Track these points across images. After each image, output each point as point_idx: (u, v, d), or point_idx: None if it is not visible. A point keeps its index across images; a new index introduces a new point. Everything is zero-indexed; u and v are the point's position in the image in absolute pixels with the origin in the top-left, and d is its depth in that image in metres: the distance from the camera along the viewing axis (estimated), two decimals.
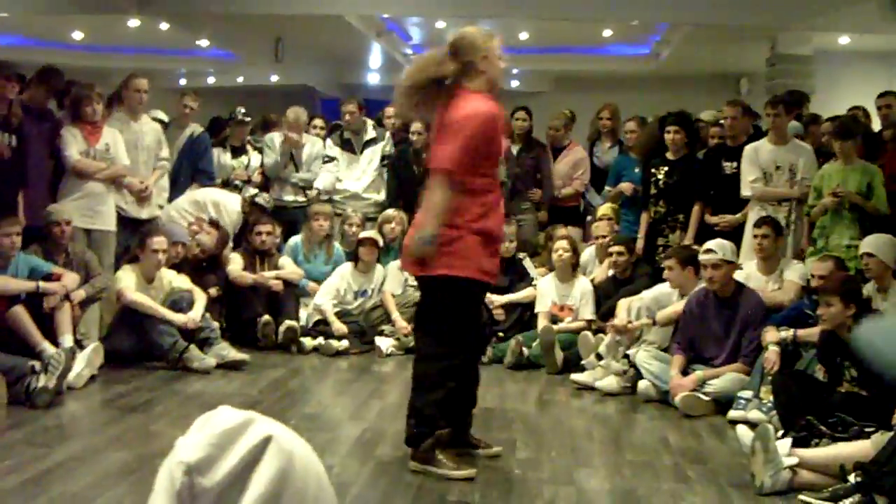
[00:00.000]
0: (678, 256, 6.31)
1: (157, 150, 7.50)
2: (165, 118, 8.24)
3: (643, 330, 6.33)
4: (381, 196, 8.68)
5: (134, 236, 7.09)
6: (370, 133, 8.67)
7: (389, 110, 9.07)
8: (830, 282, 4.91)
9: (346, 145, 8.64)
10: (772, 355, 5.37)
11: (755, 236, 6.37)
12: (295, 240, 8.07)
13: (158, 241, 6.67)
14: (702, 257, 5.99)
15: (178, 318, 6.53)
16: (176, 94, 8.66)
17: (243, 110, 8.74)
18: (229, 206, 7.84)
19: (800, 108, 8.14)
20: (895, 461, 3.70)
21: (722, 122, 7.57)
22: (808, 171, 6.79)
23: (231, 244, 7.85)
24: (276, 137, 8.52)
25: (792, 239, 6.78)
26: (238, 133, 8.69)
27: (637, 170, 7.78)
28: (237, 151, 8.65)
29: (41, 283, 5.91)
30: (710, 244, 6.03)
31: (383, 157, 8.61)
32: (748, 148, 6.95)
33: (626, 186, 7.86)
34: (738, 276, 6.21)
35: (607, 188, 8.23)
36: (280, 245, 7.97)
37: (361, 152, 8.63)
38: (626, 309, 6.37)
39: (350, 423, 5.10)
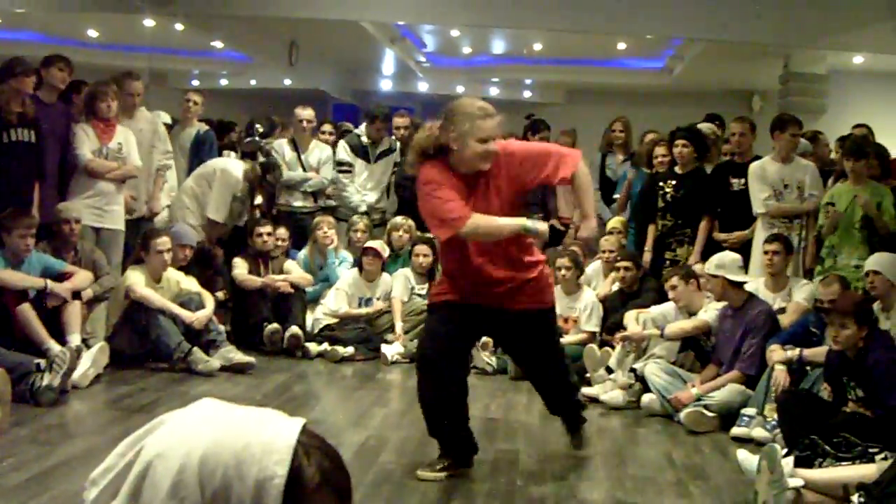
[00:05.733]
0: (679, 274, 6.38)
1: (153, 141, 7.48)
2: (168, 120, 8.19)
3: (650, 343, 6.33)
4: (387, 204, 8.71)
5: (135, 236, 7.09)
6: (384, 143, 8.64)
7: (399, 120, 8.96)
8: (844, 303, 4.85)
9: (362, 153, 8.58)
10: (780, 374, 5.36)
11: (766, 252, 6.38)
12: (304, 252, 8.06)
13: (162, 242, 6.66)
14: (705, 268, 6.19)
15: (187, 314, 6.55)
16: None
17: (261, 129, 8.75)
18: (230, 171, 7.76)
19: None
20: None
21: (730, 137, 7.59)
22: (815, 186, 6.83)
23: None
24: (284, 144, 8.51)
25: (800, 257, 6.78)
26: (252, 146, 8.71)
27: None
28: (247, 157, 8.64)
29: (50, 283, 5.92)
30: (712, 257, 6.19)
31: (395, 165, 8.62)
32: (754, 166, 6.95)
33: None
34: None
35: (615, 196, 8.31)
36: (289, 250, 7.95)
37: (376, 162, 8.60)
38: (635, 320, 6.38)
39: (353, 430, 5.11)
